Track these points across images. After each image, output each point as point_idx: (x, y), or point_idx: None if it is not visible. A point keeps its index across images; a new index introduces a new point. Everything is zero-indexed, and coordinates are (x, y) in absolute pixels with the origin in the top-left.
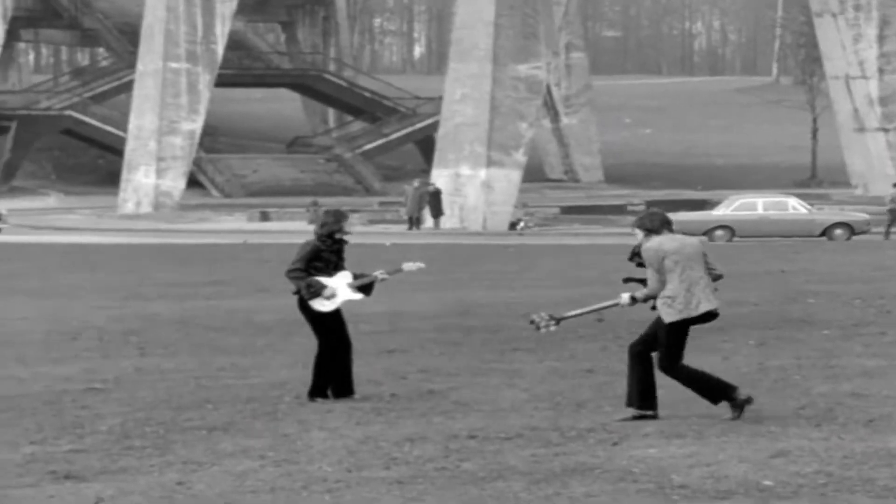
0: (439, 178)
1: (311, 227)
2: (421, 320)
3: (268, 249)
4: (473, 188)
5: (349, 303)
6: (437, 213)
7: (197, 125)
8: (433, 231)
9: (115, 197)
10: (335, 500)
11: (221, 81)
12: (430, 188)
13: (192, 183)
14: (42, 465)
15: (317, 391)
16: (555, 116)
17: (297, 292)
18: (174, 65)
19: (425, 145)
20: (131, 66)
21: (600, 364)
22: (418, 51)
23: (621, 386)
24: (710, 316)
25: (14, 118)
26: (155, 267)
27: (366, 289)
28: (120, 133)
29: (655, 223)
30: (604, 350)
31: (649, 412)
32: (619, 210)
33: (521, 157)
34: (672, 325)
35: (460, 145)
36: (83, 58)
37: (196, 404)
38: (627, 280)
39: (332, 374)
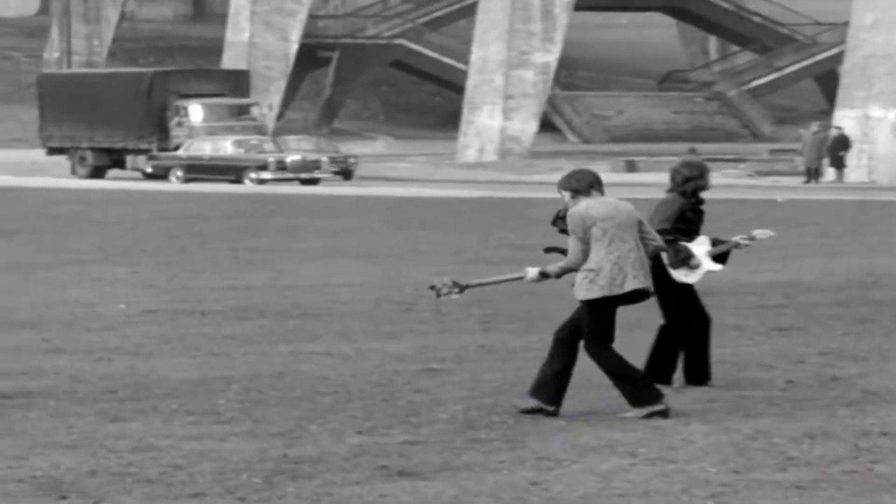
0: (843, 120)
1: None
2: (820, 292)
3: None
4: (884, 133)
5: (709, 274)
6: (841, 163)
7: (552, 56)
8: (835, 185)
9: (454, 142)
10: None
11: (581, 4)
12: (833, 133)
13: (545, 126)
14: (372, 459)
15: (655, 377)
16: None
17: None
18: None
19: (827, 81)
20: None
21: None
22: None
23: None
24: (639, 295)
25: (336, 48)
26: (500, 225)
27: (722, 258)
28: (460, 66)
29: (583, 183)
30: None
31: (550, 408)
32: None
33: None
34: (590, 302)
35: (869, 81)
36: None
37: None
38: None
39: (675, 358)
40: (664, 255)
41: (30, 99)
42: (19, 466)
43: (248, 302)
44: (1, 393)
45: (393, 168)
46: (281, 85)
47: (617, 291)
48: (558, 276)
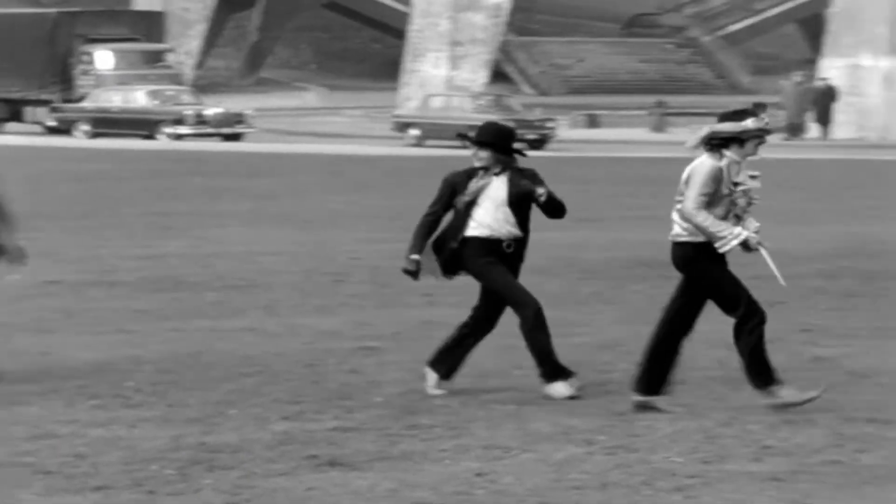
0: (830, 70)
1: (657, 137)
2: (802, 263)
3: (597, 165)
4: (875, 84)
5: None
6: (826, 117)
7: None
8: (820, 142)
9: (395, 93)
10: (689, 501)
11: None
12: (818, 84)
13: (498, 76)
14: (299, 448)
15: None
16: None
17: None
18: None
19: (811, 26)
20: None
21: None
22: None
23: None
24: None
25: None
26: None
27: None
28: (402, 8)
29: None
30: None
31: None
32: None
33: None
34: None
35: (859, 26)
36: None
37: (501, 370)
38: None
39: None
40: None
41: None
42: None
43: (162, 272)
44: None
45: (326, 122)
46: (200, 29)
47: None
48: None
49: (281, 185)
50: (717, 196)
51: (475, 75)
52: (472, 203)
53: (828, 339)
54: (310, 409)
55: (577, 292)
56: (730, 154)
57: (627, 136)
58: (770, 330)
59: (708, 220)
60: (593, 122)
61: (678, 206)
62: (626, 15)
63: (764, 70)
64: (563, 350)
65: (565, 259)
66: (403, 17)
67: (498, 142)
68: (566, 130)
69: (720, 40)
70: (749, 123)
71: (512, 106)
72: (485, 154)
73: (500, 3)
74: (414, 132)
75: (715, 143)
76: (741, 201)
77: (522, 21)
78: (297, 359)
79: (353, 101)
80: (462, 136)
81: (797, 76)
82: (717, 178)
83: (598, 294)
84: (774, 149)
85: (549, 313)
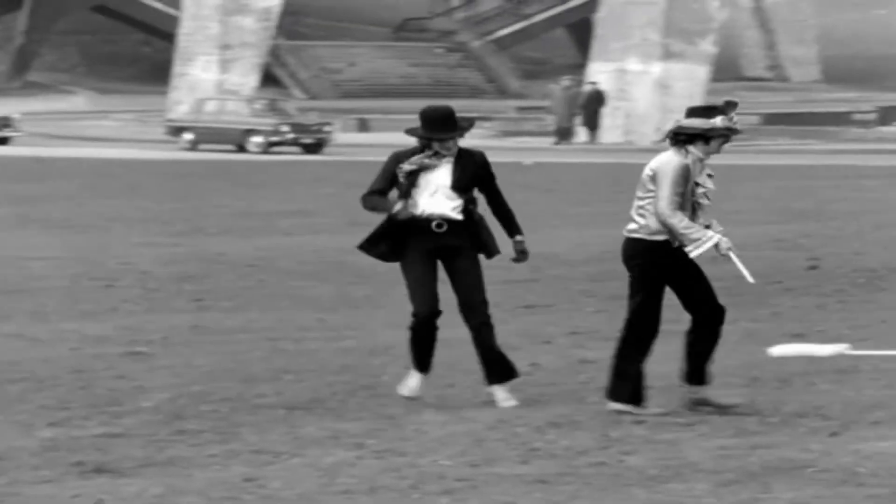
0: (598, 74)
1: None
2: (570, 266)
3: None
4: (644, 89)
5: None
6: (594, 122)
7: (275, 2)
8: (588, 146)
9: (164, 97)
10: None
11: None
12: (587, 88)
13: (268, 79)
14: (65, 455)
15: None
16: None
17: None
18: None
19: (580, 31)
20: None
21: (814, 327)
22: None
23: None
24: None
25: None
26: (217, 191)
27: None
28: (171, 11)
29: None
30: (820, 308)
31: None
32: (842, 119)
33: (709, 46)
34: None
35: (627, 31)
36: None
37: (271, 375)
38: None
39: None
40: None
41: None
42: None
43: None
44: None
45: (95, 126)
46: None
47: None
48: None
49: (49, 190)
50: (684, 194)
51: (245, 79)
52: (413, 183)
53: (595, 341)
54: (77, 415)
55: (349, 296)
56: (694, 150)
57: (398, 140)
58: (539, 333)
59: (683, 223)
60: (364, 127)
61: (638, 202)
62: (397, 19)
63: (533, 74)
64: (334, 355)
65: (336, 263)
66: (173, 21)
67: (459, 124)
68: (338, 134)
69: (490, 45)
70: (718, 121)
71: (287, 110)
72: (455, 140)
73: (270, 7)
74: (188, 136)
75: (680, 139)
76: (703, 201)
77: (292, 25)
78: (65, 365)
79: (122, 104)
80: (409, 132)
81: (566, 80)
82: (686, 175)
83: (370, 298)
84: (543, 153)
85: (320, 316)
